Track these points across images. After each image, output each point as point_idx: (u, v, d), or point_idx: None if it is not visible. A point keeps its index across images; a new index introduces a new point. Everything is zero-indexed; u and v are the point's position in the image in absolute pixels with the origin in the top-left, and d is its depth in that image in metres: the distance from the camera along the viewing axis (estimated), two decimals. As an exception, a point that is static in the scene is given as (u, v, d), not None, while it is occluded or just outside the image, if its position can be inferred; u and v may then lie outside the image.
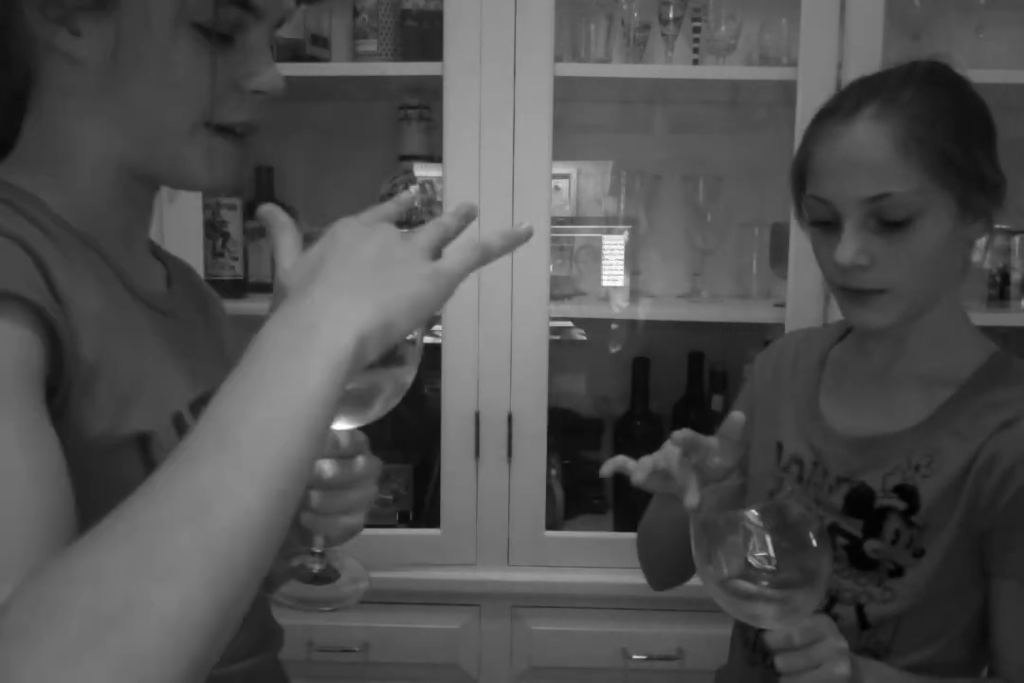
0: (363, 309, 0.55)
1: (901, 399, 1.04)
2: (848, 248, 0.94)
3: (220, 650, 0.47)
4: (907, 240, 0.94)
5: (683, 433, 1.02)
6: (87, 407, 0.63)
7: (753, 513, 0.84)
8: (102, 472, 0.54)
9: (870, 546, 1.00)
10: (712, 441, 1.03)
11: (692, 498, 0.98)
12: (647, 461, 1.04)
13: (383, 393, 0.68)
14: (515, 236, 0.64)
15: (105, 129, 0.71)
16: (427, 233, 0.63)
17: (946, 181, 0.93)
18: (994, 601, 0.96)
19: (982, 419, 0.97)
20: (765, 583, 0.84)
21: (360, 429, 0.74)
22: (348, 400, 0.64)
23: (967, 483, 0.95)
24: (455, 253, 0.61)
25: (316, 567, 0.75)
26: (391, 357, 0.66)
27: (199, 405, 0.76)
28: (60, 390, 0.61)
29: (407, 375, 0.69)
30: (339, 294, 0.56)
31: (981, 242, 1.03)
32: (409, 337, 0.67)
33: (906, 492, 0.99)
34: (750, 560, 0.84)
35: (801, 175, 1.01)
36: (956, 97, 0.97)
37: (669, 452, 1.03)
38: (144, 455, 0.67)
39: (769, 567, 0.83)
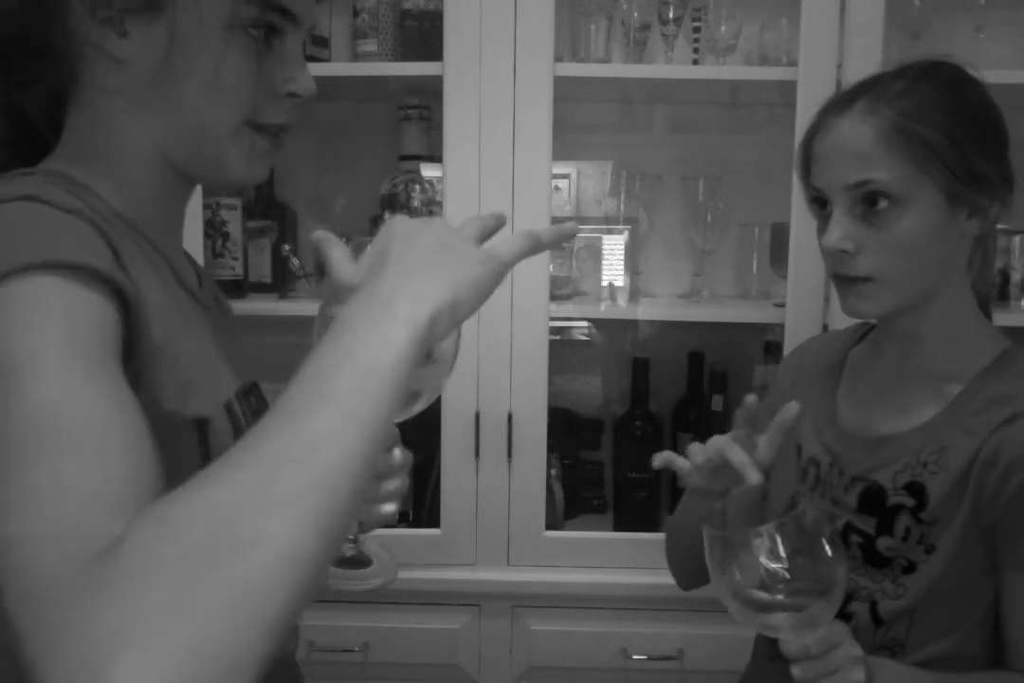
0: (434, 289, 0.60)
1: (913, 397, 1.05)
2: (834, 233, 0.98)
3: (320, 582, 0.50)
4: (891, 228, 0.97)
5: (748, 407, 1.02)
6: (155, 387, 0.66)
7: (768, 526, 0.85)
8: (159, 452, 0.55)
9: (883, 543, 1.01)
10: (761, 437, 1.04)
11: (754, 473, 0.97)
12: (699, 453, 1.03)
13: (423, 391, 0.73)
14: (562, 232, 0.69)
15: (150, 126, 0.74)
16: (471, 225, 0.68)
17: (929, 171, 0.95)
18: (1004, 593, 0.97)
19: (987, 414, 0.98)
20: (780, 595, 0.84)
21: None
22: None
23: (971, 477, 0.96)
24: (507, 241, 0.66)
25: (349, 551, 0.80)
26: (428, 358, 0.71)
27: (243, 394, 0.80)
28: (132, 364, 0.63)
29: (444, 375, 0.73)
30: (411, 276, 0.60)
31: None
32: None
33: (915, 489, 1.00)
34: (765, 570, 0.84)
35: (806, 167, 1.04)
36: (953, 94, 0.99)
37: (723, 444, 1.02)
38: (201, 439, 0.70)
39: (785, 577, 0.84)
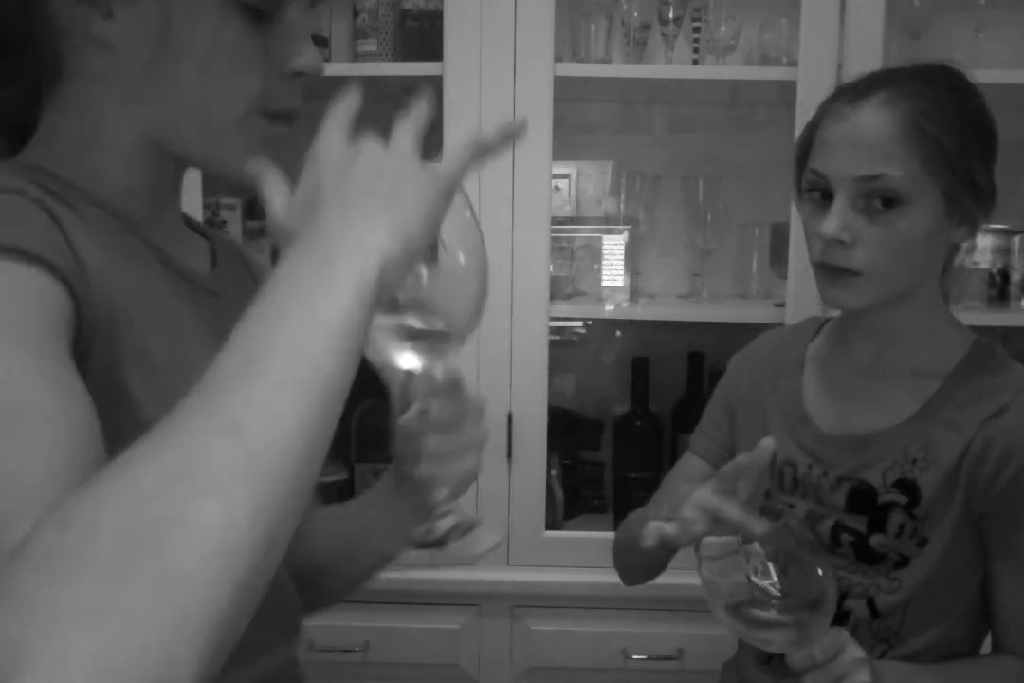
0: (379, 232, 0.54)
1: (890, 393, 1.05)
2: (834, 221, 0.97)
3: (266, 581, 0.43)
4: (891, 225, 0.97)
5: (726, 474, 0.94)
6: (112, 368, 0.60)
7: (755, 545, 0.86)
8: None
9: (876, 541, 1.02)
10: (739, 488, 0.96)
11: (759, 526, 0.90)
12: (697, 520, 0.92)
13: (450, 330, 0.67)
14: (509, 129, 0.62)
15: (141, 116, 0.67)
16: (403, 133, 0.62)
17: (937, 174, 0.96)
18: (995, 578, 1.00)
19: (972, 409, 0.99)
20: (774, 611, 0.86)
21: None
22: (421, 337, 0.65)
23: (962, 472, 0.98)
24: (449, 155, 0.60)
25: (448, 524, 0.71)
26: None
27: None
28: (78, 352, 0.57)
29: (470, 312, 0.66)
30: (350, 221, 0.54)
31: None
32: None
33: (906, 486, 1.01)
34: (757, 588, 0.85)
35: (806, 149, 1.04)
36: (963, 103, 1.00)
37: (715, 503, 0.92)
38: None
39: (775, 593, 0.85)
